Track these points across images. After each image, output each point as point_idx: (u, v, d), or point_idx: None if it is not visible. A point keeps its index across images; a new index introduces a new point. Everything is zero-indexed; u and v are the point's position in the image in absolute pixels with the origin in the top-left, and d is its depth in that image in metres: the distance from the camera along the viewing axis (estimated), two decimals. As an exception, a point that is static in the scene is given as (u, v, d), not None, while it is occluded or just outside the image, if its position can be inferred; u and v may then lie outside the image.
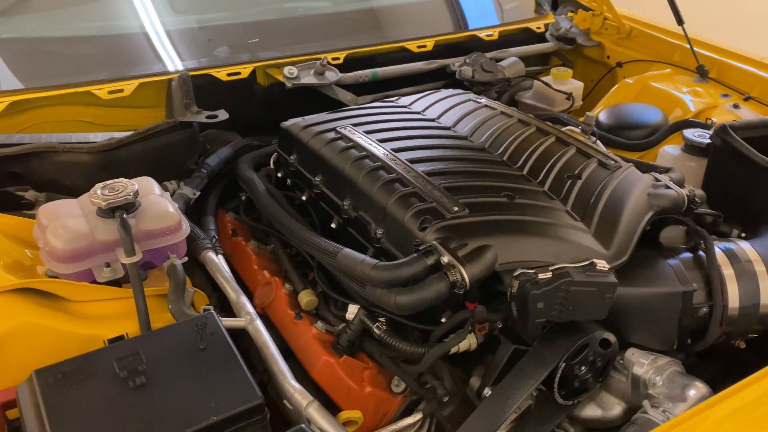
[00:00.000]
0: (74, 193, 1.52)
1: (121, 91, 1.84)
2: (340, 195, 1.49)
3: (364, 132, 1.58)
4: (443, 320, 1.27)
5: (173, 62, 1.99)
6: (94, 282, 1.31)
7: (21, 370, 1.10)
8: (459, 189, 1.35)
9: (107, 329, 1.24)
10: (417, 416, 1.31)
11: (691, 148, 1.80)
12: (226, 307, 1.42)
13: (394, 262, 1.21)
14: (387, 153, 1.48)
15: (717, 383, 1.21)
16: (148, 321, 1.24)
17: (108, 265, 1.30)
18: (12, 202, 1.57)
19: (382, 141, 1.54)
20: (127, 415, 1.00)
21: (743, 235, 1.52)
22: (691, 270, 1.33)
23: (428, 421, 1.33)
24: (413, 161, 1.45)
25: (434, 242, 1.21)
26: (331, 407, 1.27)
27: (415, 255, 1.20)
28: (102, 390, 1.04)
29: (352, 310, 1.33)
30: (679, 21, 2.30)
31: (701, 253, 1.37)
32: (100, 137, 1.70)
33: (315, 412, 1.14)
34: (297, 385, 1.19)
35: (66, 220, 1.30)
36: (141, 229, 1.32)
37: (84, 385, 1.04)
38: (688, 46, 2.30)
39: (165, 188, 1.66)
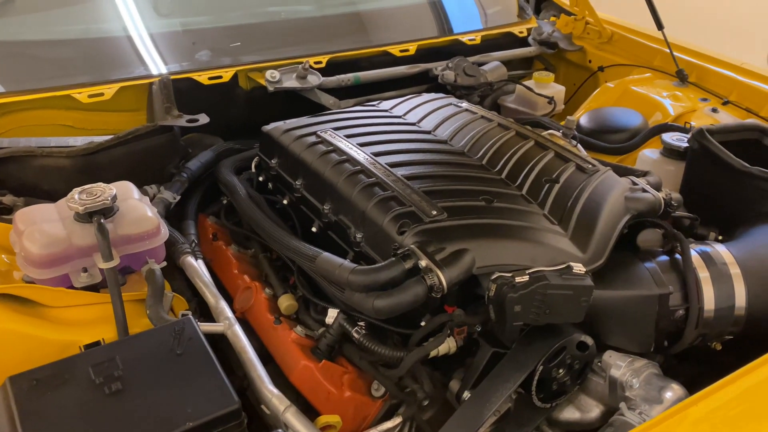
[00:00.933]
0: (53, 197, 1.51)
1: (102, 95, 1.83)
2: (321, 199, 1.49)
3: (344, 136, 1.58)
4: (422, 324, 1.28)
5: (155, 65, 1.98)
6: (71, 287, 1.29)
7: (-4, 376, 1.10)
8: (438, 193, 1.35)
9: (84, 335, 1.23)
10: (397, 420, 1.31)
11: (669, 151, 1.82)
12: (206, 312, 1.41)
13: (372, 266, 1.21)
14: (367, 157, 1.48)
15: (694, 385, 1.22)
16: (126, 326, 1.23)
17: (85, 270, 1.29)
18: (-11, 207, 1.56)
19: (362, 145, 1.54)
20: (102, 421, 1.00)
21: (720, 238, 1.54)
22: (667, 273, 1.34)
23: (408, 425, 1.33)
24: (393, 165, 1.45)
25: (412, 246, 1.21)
26: (311, 412, 1.27)
27: (393, 259, 1.21)
28: (77, 396, 1.03)
29: (332, 315, 1.33)
30: (659, 26, 2.32)
31: (678, 256, 1.38)
32: (80, 141, 1.69)
33: (292, 417, 1.14)
34: (275, 390, 1.19)
35: (43, 224, 1.29)
36: (119, 234, 1.31)
37: (59, 392, 1.03)
38: (668, 50, 2.33)
39: (145, 192, 1.65)
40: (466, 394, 1.24)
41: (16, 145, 1.64)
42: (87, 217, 1.28)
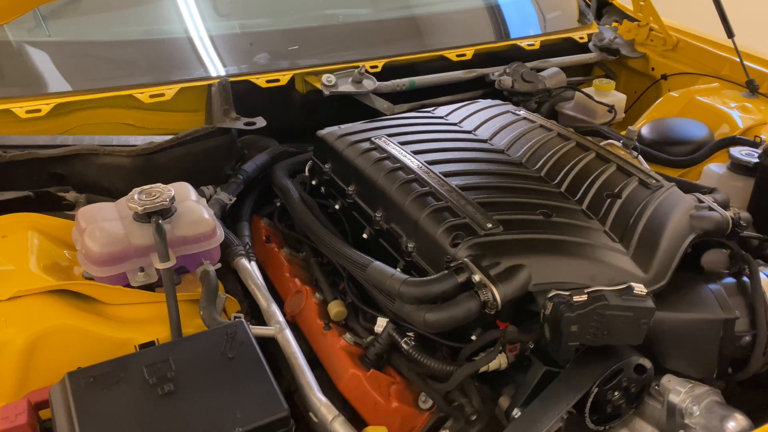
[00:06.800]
0: (114, 194, 1.55)
1: (162, 95, 1.88)
2: (373, 206, 1.48)
3: (398, 143, 1.57)
4: (473, 338, 1.25)
5: (214, 67, 2.02)
6: (128, 286, 1.32)
7: (55, 370, 1.13)
8: (493, 205, 1.33)
9: (139, 333, 1.26)
10: (444, 433, 1.29)
11: (737, 167, 1.74)
12: (257, 314, 1.43)
13: (424, 278, 1.20)
14: (421, 165, 1.47)
15: (759, 415, 1.16)
16: (180, 326, 1.25)
17: (142, 269, 1.32)
18: (53, 202, 1.61)
19: (416, 153, 1.52)
20: (154, 422, 1.01)
21: (791, 260, 1.46)
22: (733, 296, 1.28)
23: (455, 439, 1.31)
24: (447, 174, 1.43)
25: (466, 259, 1.19)
26: (357, 421, 1.27)
27: (446, 272, 1.18)
28: (131, 395, 1.05)
29: (381, 324, 1.31)
30: (730, 34, 2.22)
31: (745, 278, 1.31)
32: (140, 140, 1.73)
33: (340, 427, 1.13)
34: (323, 399, 1.18)
35: (103, 223, 1.33)
36: (176, 235, 1.33)
37: (114, 390, 1.06)
38: (738, 59, 2.23)
39: (202, 193, 1.68)
40: (516, 412, 1.21)
41: (80, 143, 1.70)
42: (146, 217, 1.31)
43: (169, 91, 1.88)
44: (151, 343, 1.22)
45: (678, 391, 1.21)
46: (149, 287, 1.34)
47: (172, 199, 1.33)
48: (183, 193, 1.44)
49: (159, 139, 1.72)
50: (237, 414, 1.03)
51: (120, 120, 1.90)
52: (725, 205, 1.44)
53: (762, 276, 1.30)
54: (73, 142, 1.69)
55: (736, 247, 1.36)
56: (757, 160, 1.69)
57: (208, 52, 2.05)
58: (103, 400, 1.04)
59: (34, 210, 1.49)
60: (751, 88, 2.18)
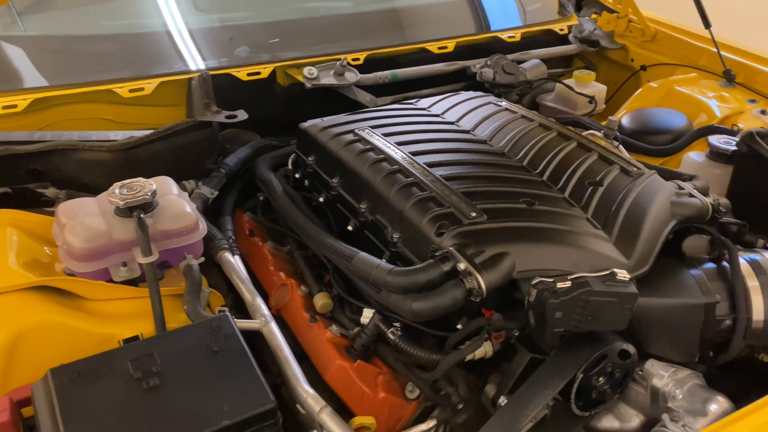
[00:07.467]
0: (94, 190, 1.53)
1: (142, 89, 1.85)
2: (357, 197, 1.48)
3: (382, 134, 1.57)
4: (459, 327, 1.26)
5: (194, 61, 2.00)
6: (111, 281, 1.31)
7: (37, 367, 1.11)
8: (477, 194, 1.33)
9: (123, 328, 1.24)
10: (431, 423, 1.29)
11: (716, 154, 1.77)
12: (242, 308, 1.42)
13: (410, 267, 1.20)
14: (405, 156, 1.47)
15: (740, 397, 1.18)
16: (164, 321, 1.24)
17: (125, 264, 1.30)
18: (32, 199, 1.59)
19: (400, 144, 1.52)
20: (139, 416, 1.00)
21: (769, 245, 1.48)
22: (714, 281, 1.30)
23: (442, 428, 1.31)
24: (431, 165, 1.43)
25: (451, 248, 1.20)
26: (345, 412, 1.27)
27: (431, 261, 1.19)
28: (116, 391, 1.04)
29: (367, 315, 1.32)
30: (706, 24, 2.25)
31: (725, 263, 1.33)
32: (120, 135, 1.71)
33: (327, 418, 1.14)
34: (310, 390, 1.18)
35: (84, 218, 1.31)
36: (158, 229, 1.32)
37: (98, 385, 1.04)
38: (715, 49, 2.26)
39: (183, 187, 1.66)
40: (503, 399, 1.22)
41: (59, 138, 1.67)
42: (127, 211, 1.29)
43: (149, 86, 1.86)
44: (135, 338, 1.20)
45: (661, 376, 1.23)
46: (132, 282, 1.33)
47: (154, 193, 1.32)
48: (164, 187, 1.43)
49: (139, 133, 1.70)
50: (224, 406, 1.02)
51: (99, 115, 1.87)
52: (705, 192, 1.46)
53: (741, 261, 1.32)
54: (52, 138, 1.67)
55: (716, 232, 1.38)
56: (734, 148, 1.72)
57: (187, 45, 2.03)
58: (87, 395, 1.03)
59: (13, 207, 1.47)
60: (728, 77, 2.21)
